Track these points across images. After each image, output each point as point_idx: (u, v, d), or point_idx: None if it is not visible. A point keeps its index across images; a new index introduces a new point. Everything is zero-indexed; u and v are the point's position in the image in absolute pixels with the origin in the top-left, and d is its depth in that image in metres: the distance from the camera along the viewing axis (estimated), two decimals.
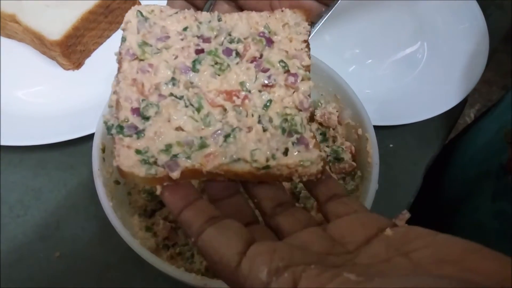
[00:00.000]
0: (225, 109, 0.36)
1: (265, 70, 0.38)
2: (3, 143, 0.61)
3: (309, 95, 0.38)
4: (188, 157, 0.34)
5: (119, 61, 0.37)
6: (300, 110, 0.37)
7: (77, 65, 0.72)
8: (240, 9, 0.44)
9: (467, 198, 0.70)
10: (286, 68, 0.38)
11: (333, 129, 0.57)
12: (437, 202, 0.79)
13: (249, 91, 0.37)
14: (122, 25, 0.39)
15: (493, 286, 0.23)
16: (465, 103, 0.74)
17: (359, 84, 0.59)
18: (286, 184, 0.52)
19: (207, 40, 0.39)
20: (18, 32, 0.71)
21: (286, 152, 0.35)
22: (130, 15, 0.39)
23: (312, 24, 0.44)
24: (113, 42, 0.75)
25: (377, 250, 0.28)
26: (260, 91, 0.37)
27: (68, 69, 0.72)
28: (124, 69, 0.37)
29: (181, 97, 0.36)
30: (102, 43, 0.75)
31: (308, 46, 0.40)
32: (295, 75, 0.38)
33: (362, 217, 0.32)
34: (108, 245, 0.58)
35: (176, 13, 0.40)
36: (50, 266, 0.57)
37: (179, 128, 0.35)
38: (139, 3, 0.76)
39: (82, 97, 0.69)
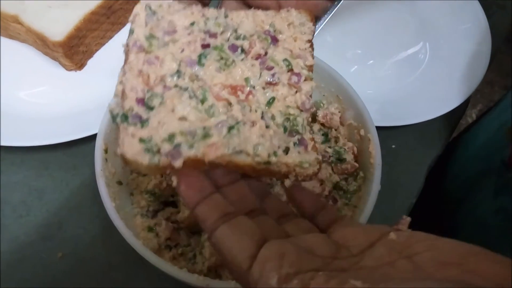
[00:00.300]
0: (229, 103, 0.37)
1: (269, 68, 0.39)
2: (5, 144, 0.61)
3: (310, 96, 0.39)
4: (191, 147, 0.34)
5: (126, 53, 0.38)
6: (301, 111, 0.38)
7: (80, 66, 0.72)
8: (248, 6, 0.44)
9: (468, 195, 0.70)
10: (290, 67, 0.39)
11: (335, 129, 0.57)
12: (439, 200, 0.79)
13: (253, 87, 0.38)
14: (130, 18, 0.39)
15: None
16: (468, 103, 0.74)
17: (361, 85, 0.59)
18: None
19: (213, 35, 0.39)
20: (21, 33, 0.72)
21: (287, 151, 0.36)
22: (139, 8, 0.39)
23: (317, 19, 0.44)
24: (115, 43, 0.75)
25: (381, 253, 0.29)
26: (263, 88, 0.38)
27: (71, 69, 0.72)
28: (130, 60, 0.37)
29: (185, 89, 0.37)
30: (104, 44, 0.75)
31: (312, 46, 0.41)
32: (298, 74, 0.39)
33: (365, 226, 0.34)
34: (110, 246, 0.58)
35: (184, 8, 0.41)
36: (52, 266, 0.57)
37: (182, 118, 0.36)
38: None
39: (84, 97, 0.69)
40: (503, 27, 0.83)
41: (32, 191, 0.63)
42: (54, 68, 0.72)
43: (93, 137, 0.51)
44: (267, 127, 0.37)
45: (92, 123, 0.61)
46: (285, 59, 0.39)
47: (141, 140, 0.34)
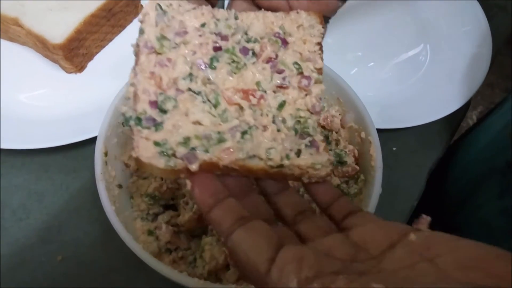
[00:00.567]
0: (241, 107, 0.37)
1: (280, 71, 0.39)
2: (5, 147, 0.61)
3: (320, 98, 0.39)
4: (206, 150, 0.34)
5: (137, 53, 0.38)
6: (311, 113, 0.38)
7: (80, 68, 0.72)
8: (257, 7, 0.44)
9: (471, 197, 0.70)
10: (300, 70, 0.39)
11: (336, 132, 0.57)
12: (440, 202, 0.79)
13: (265, 91, 0.38)
14: (140, 17, 0.39)
15: None
16: (468, 105, 0.74)
17: (361, 87, 0.58)
18: None
19: (225, 38, 0.39)
20: (21, 35, 0.72)
21: (298, 153, 0.36)
22: (149, 7, 0.39)
23: (326, 20, 0.44)
24: (115, 46, 0.75)
25: (401, 255, 0.28)
26: (274, 91, 0.38)
27: (71, 72, 0.72)
28: (141, 61, 0.37)
29: (198, 93, 0.37)
30: (104, 47, 0.75)
31: (321, 48, 0.41)
32: (308, 78, 0.39)
33: (383, 224, 0.32)
34: (110, 249, 0.57)
35: (194, 8, 0.40)
36: (52, 269, 0.57)
37: (196, 122, 0.36)
38: (142, 7, 0.76)
39: (84, 100, 0.69)
40: (504, 28, 0.83)
41: (32, 194, 0.62)
42: (54, 70, 0.72)
43: (93, 140, 0.51)
44: (278, 130, 0.37)
45: (92, 125, 0.61)
46: (295, 62, 0.39)
47: (156, 144, 0.34)
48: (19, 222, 0.60)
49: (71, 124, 0.65)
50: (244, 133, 0.36)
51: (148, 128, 0.35)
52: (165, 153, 0.34)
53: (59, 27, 0.68)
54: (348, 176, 0.54)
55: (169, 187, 0.52)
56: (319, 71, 0.40)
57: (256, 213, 0.34)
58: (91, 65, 0.73)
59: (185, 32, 0.39)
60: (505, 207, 0.62)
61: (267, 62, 0.39)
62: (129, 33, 0.76)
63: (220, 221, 0.32)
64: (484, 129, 0.75)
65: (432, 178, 0.69)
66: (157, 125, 0.35)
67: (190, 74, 0.37)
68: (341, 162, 0.54)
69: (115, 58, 0.73)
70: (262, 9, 0.43)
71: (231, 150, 0.35)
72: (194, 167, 0.33)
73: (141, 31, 0.38)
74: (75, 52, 0.70)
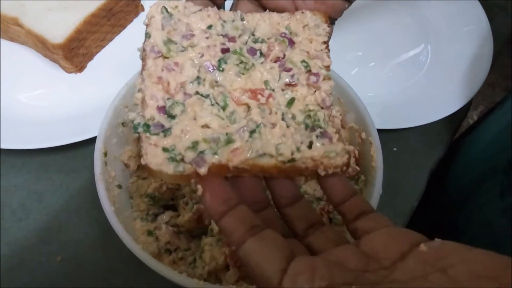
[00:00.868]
0: (249, 107, 0.37)
1: (288, 70, 0.39)
2: (5, 147, 0.61)
3: (330, 94, 0.39)
4: (215, 153, 0.34)
5: (143, 58, 0.38)
6: (322, 108, 0.38)
7: (80, 68, 0.72)
8: (262, 8, 0.44)
9: (473, 196, 0.70)
10: (308, 68, 0.39)
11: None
12: (442, 201, 0.79)
13: (273, 90, 0.38)
14: (146, 21, 0.39)
15: None
16: (469, 106, 0.74)
17: (362, 87, 0.58)
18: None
19: (232, 39, 0.39)
20: (21, 35, 0.71)
21: (310, 145, 0.36)
22: (154, 11, 0.39)
23: (332, 21, 0.44)
24: (115, 45, 0.75)
25: (413, 267, 0.28)
26: (282, 90, 0.38)
27: (71, 72, 0.72)
28: (148, 66, 0.37)
29: (206, 96, 0.37)
30: (104, 46, 0.75)
31: (327, 47, 0.41)
32: (317, 74, 0.39)
33: (393, 231, 0.32)
34: (110, 249, 0.57)
35: (200, 10, 0.40)
36: (52, 270, 0.57)
37: (205, 126, 0.35)
38: (142, 7, 0.76)
39: (84, 100, 0.69)
40: (505, 29, 0.83)
41: (31, 194, 0.62)
42: (54, 70, 0.72)
43: (93, 140, 0.51)
44: (287, 126, 0.37)
45: (92, 125, 0.61)
46: (303, 61, 0.39)
47: (165, 149, 0.34)
48: (18, 222, 0.60)
49: (71, 124, 0.65)
50: (252, 132, 0.35)
51: (157, 134, 0.34)
52: (173, 159, 0.33)
53: (59, 27, 0.68)
54: (349, 176, 0.54)
55: (169, 187, 0.52)
56: (327, 68, 0.40)
57: (270, 226, 0.34)
58: (91, 65, 0.73)
59: (192, 35, 0.39)
60: (506, 207, 0.62)
61: (275, 61, 0.39)
62: (130, 33, 0.76)
63: (231, 229, 0.32)
64: (485, 128, 0.75)
65: (432, 178, 0.69)
66: (165, 131, 0.35)
67: (198, 78, 0.37)
68: None
69: (115, 58, 0.73)
70: (267, 10, 0.43)
71: (240, 150, 0.35)
72: (203, 170, 0.33)
73: (148, 35, 0.38)
74: (75, 52, 0.70)
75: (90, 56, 0.73)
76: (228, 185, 0.34)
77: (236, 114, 0.36)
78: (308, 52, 0.40)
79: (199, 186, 0.33)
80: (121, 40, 0.76)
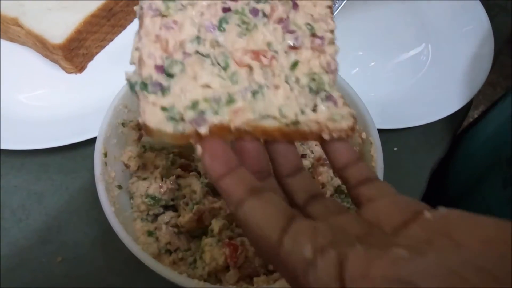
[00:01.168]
0: (251, 69, 0.36)
1: (291, 32, 0.38)
2: (5, 147, 0.61)
3: (335, 58, 0.38)
4: (216, 113, 0.33)
5: (141, 16, 0.36)
6: (327, 72, 0.37)
7: (80, 68, 0.72)
8: None
9: (475, 187, 0.69)
10: (313, 31, 0.38)
11: None
12: (444, 193, 0.78)
13: (276, 52, 0.37)
14: None
15: None
16: (470, 105, 0.74)
17: (362, 87, 0.58)
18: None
19: None
20: (21, 35, 0.71)
21: (315, 109, 0.35)
22: None
23: None
24: (116, 46, 0.75)
25: (417, 232, 0.27)
26: (286, 52, 0.37)
27: (71, 72, 0.72)
28: (146, 24, 0.36)
29: (207, 55, 0.36)
30: (105, 47, 0.75)
31: (331, 11, 0.40)
32: (321, 37, 0.38)
33: (397, 199, 0.31)
34: (110, 250, 0.57)
35: None
36: (52, 270, 0.57)
37: (205, 86, 0.34)
38: None
39: (84, 100, 0.68)
40: (506, 28, 0.83)
41: (31, 195, 0.62)
42: (54, 70, 0.72)
43: (93, 141, 0.51)
44: (291, 90, 0.36)
45: (92, 126, 0.61)
46: (307, 23, 0.38)
47: (163, 109, 0.33)
48: (18, 223, 0.60)
49: (71, 125, 0.65)
50: (255, 93, 0.35)
51: (155, 93, 0.33)
52: (173, 118, 0.33)
53: (59, 27, 0.68)
54: None
55: (169, 187, 0.52)
56: (331, 32, 0.38)
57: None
58: (91, 65, 0.73)
59: None
60: (509, 197, 0.61)
61: (278, 22, 0.38)
62: (130, 33, 0.76)
63: (231, 190, 0.30)
64: (486, 122, 0.75)
65: (433, 177, 0.68)
66: (164, 90, 0.33)
67: (198, 37, 0.36)
68: None
69: (116, 59, 0.73)
70: None
71: (242, 110, 0.34)
72: (203, 130, 0.32)
73: None
74: (75, 52, 0.69)
75: (90, 57, 0.73)
76: (228, 147, 0.33)
77: (238, 75, 0.35)
78: (312, 15, 0.39)
79: (198, 146, 0.32)
80: (121, 41, 0.75)
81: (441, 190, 0.78)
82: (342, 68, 0.57)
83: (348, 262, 0.24)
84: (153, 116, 0.33)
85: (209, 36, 0.36)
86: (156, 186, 0.52)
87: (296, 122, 0.34)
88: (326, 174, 0.52)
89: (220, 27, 0.37)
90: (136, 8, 0.37)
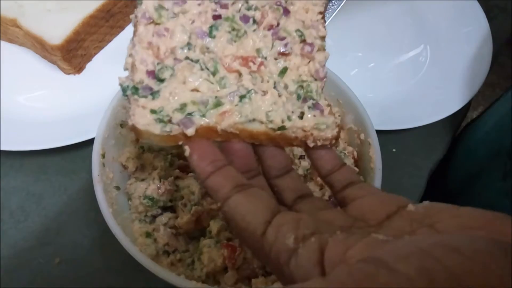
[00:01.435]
0: (240, 75, 0.37)
1: (281, 38, 0.38)
2: (4, 148, 0.61)
3: (324, 65, 0.38)
4: (203, 115, 0.34)
5: (135, 24, 0.37)
6: (315, 79, 0.38)
7: (78, 69, 0.72)
8: None
9: (475, 180, 0.69)
10: (303, 37, 0.39)
11: None
12: (444, 187, 0.78)
13: (265, 58, 0.38)
14: None
15: None
16: (469, 106, 0.74)
17: (361, 88, 0.58)
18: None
19: (224, 6, 0.39)
20: (19, 36, 0.71)
21: (301, 116, 0.36)
22: None
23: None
24: (114, 47, 0.75)
25: (400, 224, 0.28)
26: (275, 59, 0.38)
27: (69, 73, 0.72)
28: (139, 32, 0.37)
29: (196, 61, 0.37)
30: (103, 48, 0.75)
31: (323, 18, 0.40)
32: (311, 44, 0.38)
33: (382, 196, 0.32)
34: (108, 251, 0.57)
35: None
36: (50, 272, 0.57)
37: (194, 90, 0.36)
38: None
39: (83, 101, 0.68)
40: (504, 29, 0.83)
41: (30, 196, 0.62)
42: (52, 71, 0.72)
43: (91, 141, 0.51)
44: (279, 96, 0.37)
45: (90, 127, 0.61)
46: (298, 30, 0.39)
47: (152, 111, 0.34)
48: (17, 224, 0.60)
49: (69, 126, 0.65)
50: (242, 97, 0.36)
51: (145, 96, 0.35)
52: (161, 120, 0.34)
53: (58, 28, 0.68)
54: None
55: (167, 188, 0.52)
56: (322, 39, 0.39)
57: None
58: (89, 66, 0.73)
59: (184, 1, 0.38)
60: (509, 189, 0.61)
61: (269, 29, 0.38)
62: (128, 34, 0.75)
63: (218, 186, 0.32)
64: (486, 116, 0.75)
65: (432, 178, 0.68)
66: (154, 94, 0.35)
67: (189, 44, 0.37)
68: None
69: (114, 59, 0.72)
70: None
71: (229, 113, 0.35)
72: (190, 131, 0.33)
73: (140, 3, 0.38)
74: (74, 53, 0.69)
75: (88, 57, 0.73)
76: (216, 147, 0.34)
77: (226, 80, 0.36)
78: (303, 22, 0.39)
79: (186, 147, 0.34)
80: (120, 41, 0.75)
81: (441, 184, 0.78)
82: (341, 69, 0.58)
83: (327, 248, 0.26)
84: (142, 118, 0.34)
85: (199, 43, 0.37)
86: (154, 187, 0.52)
87: (282, 128, 0.35)
88: None
89: (210, 34, 0.37)
90: (131, 16, 0.38)
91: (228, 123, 0.35)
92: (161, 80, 0.35)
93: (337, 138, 0.36)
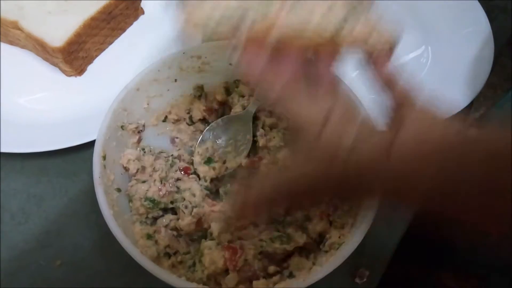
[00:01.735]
0: None
1: None
2: (4, 150, 0.61)
3: None
4: (253, 22, 0.34)
5: None
6: None
7: (80, 71, 0.72)
8: None
9: None
10: None
11: None
12: None
13: None
14: None
15: None
16: (471, 107, 0.73)
17: (363, 89, 0.58)
18: None
19: None
20: (20, 38, 0.71)
21: (353, 28, 0.38)
22: None
23: None
24: (115, 49, 0.75)
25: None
26: None
27: (71, 75, 0.72)
28: None
29: None
30: (104, 50, 0.75)
31: None
32: None
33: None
34: (109, 253, 0.57)
35: None
36: (51, 274, 0.56)
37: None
38: (142, 10, 0.76)
39: (84, 103, 0.68)
40: (506, 30, 0.82)
41: (31, 198, 0.62)
42: (54, 74, 0.72)
43: (92, 143, 0.51)
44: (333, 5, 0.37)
45: (91, 128, 0.60)
46: None
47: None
48: (18, 226, 0.60)
49: (70, 127, 0.65)
50: (294, 6, 0.35)
51: None
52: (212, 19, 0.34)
53: (59, 30, 0.68)
54: None
55: (168, 190, 0.52)
56: None
57: None
58: (90, 68, 0.73)
59: None
60: None
61: None
62: (129, 36, 0.76)
63: (273, 80, 0.32)
64: (490, 114, 0.74)
65: None
66: None
67: None
68: None
69: (115, 61, 0.73)
70: None
71: (280, 19, 0.34)
72: (240, 34, 0.33)
73: None
74: (75, 55, 0.69)
75: (89, 59, 0.73)
76: (265, 53, 0.34)
77: None
78: None
79: (235, 53, 0.34)
80: (121, 43, 0.75)
81: None
82: (343, 71, 0.57)
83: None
84: (198, 12, 0.34)
85: None
86: (155, 189, 0.52)
87: (337, 33, 0.36)
88: None
89: None
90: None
91: (279, 31, 0.34)
92: None
93: (391, 50, 0.39)
